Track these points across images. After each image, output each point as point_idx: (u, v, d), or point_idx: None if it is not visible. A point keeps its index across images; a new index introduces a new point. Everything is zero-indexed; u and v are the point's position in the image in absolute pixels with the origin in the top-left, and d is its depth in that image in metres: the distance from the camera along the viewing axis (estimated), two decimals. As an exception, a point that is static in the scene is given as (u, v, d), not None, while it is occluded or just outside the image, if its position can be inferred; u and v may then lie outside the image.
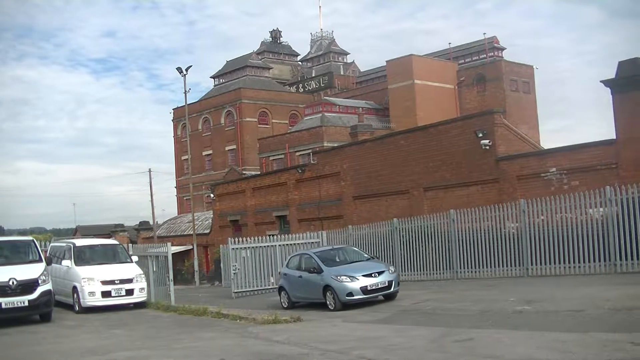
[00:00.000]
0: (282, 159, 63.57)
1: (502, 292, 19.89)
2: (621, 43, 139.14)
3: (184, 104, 57.36)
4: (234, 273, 29.86)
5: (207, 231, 54.47)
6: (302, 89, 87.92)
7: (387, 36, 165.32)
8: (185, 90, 53.93)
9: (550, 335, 11.96)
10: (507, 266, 24.97)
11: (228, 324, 18.47)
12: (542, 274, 23.48)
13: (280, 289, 24.14)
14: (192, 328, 17.95)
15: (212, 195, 52.90)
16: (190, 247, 52.95)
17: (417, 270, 28.26)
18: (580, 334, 11.72)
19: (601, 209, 22.50)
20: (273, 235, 33.45)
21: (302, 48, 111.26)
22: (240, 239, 31.26)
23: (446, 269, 27.06)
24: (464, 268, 26.28)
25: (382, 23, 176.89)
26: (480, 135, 29.38)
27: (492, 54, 72.15)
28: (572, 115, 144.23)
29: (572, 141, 31.49)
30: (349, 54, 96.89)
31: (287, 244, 31.59)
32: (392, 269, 21.85)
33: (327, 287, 21.04)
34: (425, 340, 12.69)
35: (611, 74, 24.34)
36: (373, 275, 20.81)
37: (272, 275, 30.73)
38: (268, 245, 31.25)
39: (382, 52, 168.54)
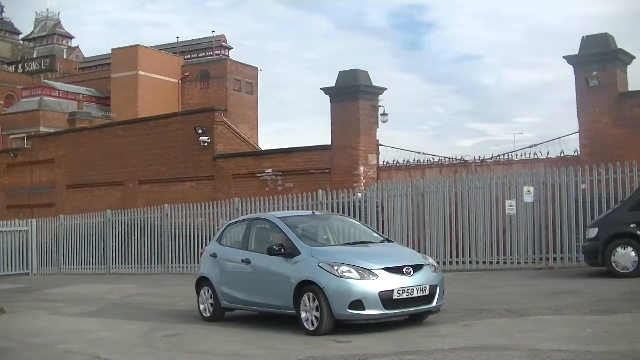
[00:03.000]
0: (-6, 141, 60.24)
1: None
2: (344, 53, 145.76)
3: None
4: None
5: None
6: (21, 70, 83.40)
7: (116, 24, 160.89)
8: None
9: (258, 332, 12.17)
10: (218, 262, 25.29)
11: None
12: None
13: (201, 281, 13.95)
14: None
15: None
16: None
17: (129, 264, 27.91)
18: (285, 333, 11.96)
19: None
20: (-23, 222, 31.58)
21: (26, 27, 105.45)
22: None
23: (158, 263, 26.97)
24: (176, 263, 26.37)
25: (111, 10, 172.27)
26: (200, 131, 29.58)
27: (219, 52, 72.86)
28: (293, 119, 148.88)
29: (291, 144, 32.76)
30: (74, 37, 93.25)
31: (-9, 232, 29.98)
32: (434, 263, 12.03)
33: (305, 286, 11.22)
34: (134, 335, 12.57)
35: (332, 82, 25.64)
36: (405, 271, 11.05)
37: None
38: (-30, 232, 29.50)
39: (109, 39, 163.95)
